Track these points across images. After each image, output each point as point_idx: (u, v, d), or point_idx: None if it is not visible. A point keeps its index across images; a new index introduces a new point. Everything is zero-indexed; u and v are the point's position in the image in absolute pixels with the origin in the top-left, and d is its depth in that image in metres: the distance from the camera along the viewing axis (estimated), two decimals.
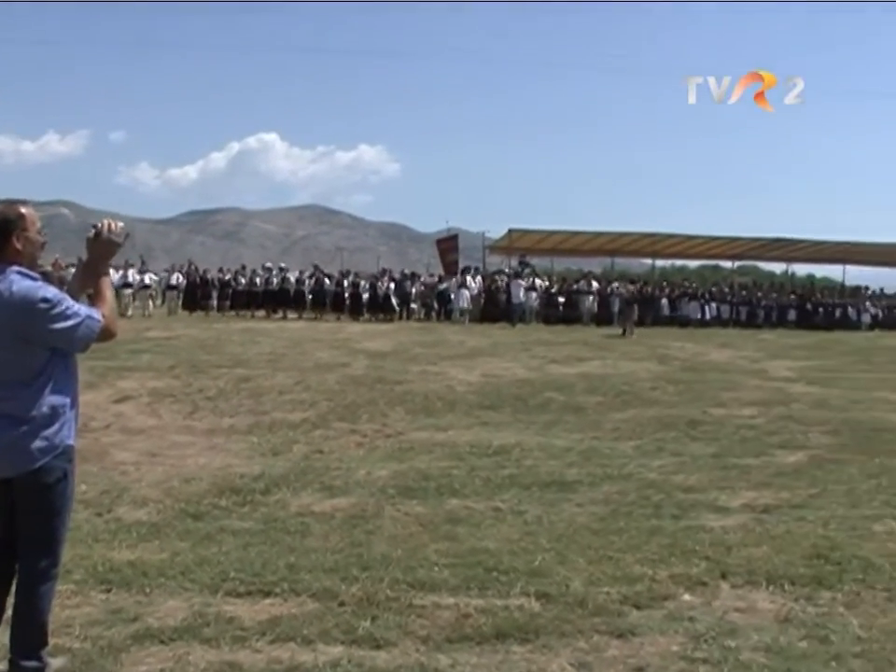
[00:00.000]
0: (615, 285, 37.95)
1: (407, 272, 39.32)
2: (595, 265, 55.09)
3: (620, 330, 29.53)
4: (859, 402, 14.23)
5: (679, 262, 64.27)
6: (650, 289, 37.74)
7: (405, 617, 5.21)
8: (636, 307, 32.19)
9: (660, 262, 55.48)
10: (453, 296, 34.32)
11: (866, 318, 37.99)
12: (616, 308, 34.83)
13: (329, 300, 34.82)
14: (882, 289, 44.36)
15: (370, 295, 34.46)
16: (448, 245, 40.89)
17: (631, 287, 36.63)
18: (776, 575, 6.01)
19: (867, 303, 39.29)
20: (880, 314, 39.03)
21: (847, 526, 7.21)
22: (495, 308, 34.70)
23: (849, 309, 38.43)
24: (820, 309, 38.39)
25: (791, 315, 37.81)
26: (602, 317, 35.19)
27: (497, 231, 48.17)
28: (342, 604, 5.39)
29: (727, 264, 57.40)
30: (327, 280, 35.25)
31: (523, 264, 38.79)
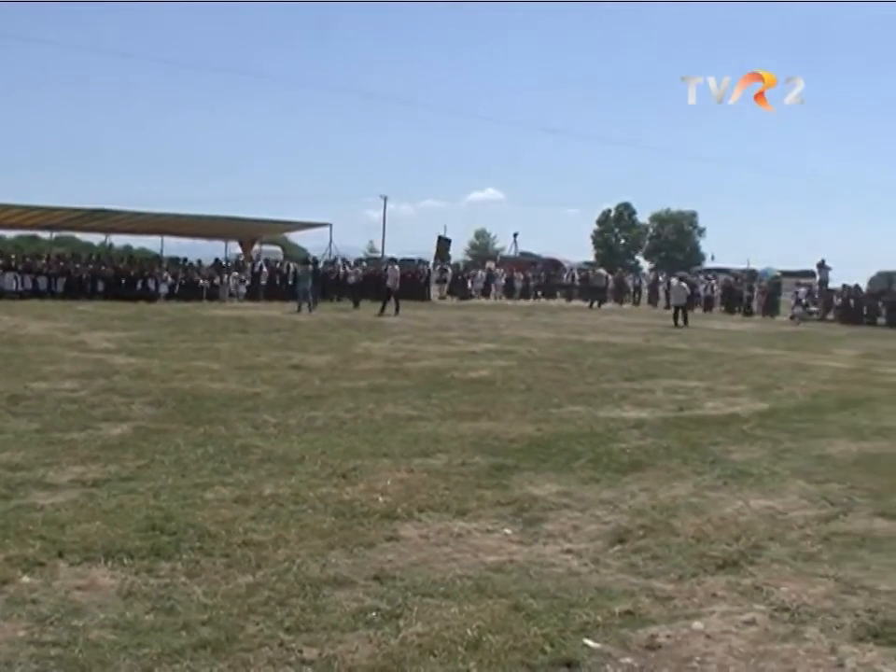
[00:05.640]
0: None
1: None
2: None
3: None
4: (180, 372, 14.41)
5: None
6: None
7: None
8: None
9: None
10: None
11: (164, 289, 38.58)
12: None
13: None
14: (200, 260, 45.52)
15: None
16: None
17: None
18: (113, 549, 5.91)
19: (165, 274, 39.91)
20: (178, 285, 39.70)
21: (179, 496, 7.27)
22: None
23: (149, 280, 38.73)
24: (123, 280, 38.39)
25: (101, 286, 37.42)
26: None
27: None
28: None
29: (45, 235, 55.88)
30: None
31: None
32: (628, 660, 4.69)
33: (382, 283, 34.10)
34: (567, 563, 6.15)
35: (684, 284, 36.74)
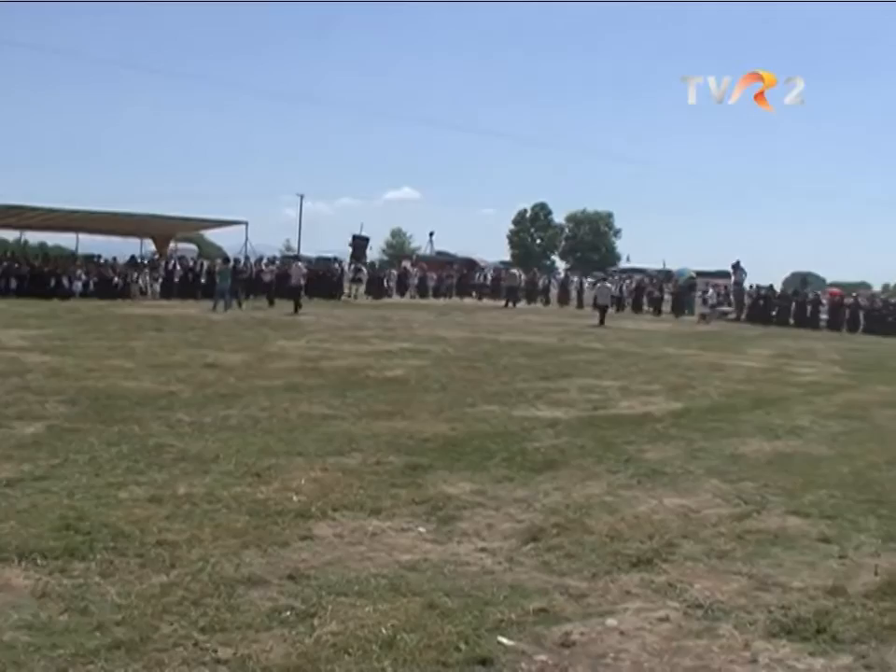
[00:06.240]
0: None
1: None
2: None
3: None
4: (94, 371, 14.17)
5: None
6: None
7: None
8: None
9: None
10: None
11: (78, 286, 37.78)
12: None
13: None
14: (115, 258, 44.85)
15: None
16: None
17: None
18: (27, 549, 5.84)
19: (80, 271, 39.11)
20: (92, 282, 38.85)
21: (93, 496, 7.19)
22: None
23: (63, 278, 37.92)
24: (38, 277, 37.52)
25: (15, 283, 36.60)
26: None
27: None
28: None
29: None
30: None
31: None
32: (542, 657, 4.75)
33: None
34: (481, 561, 6.21)
35: (609, 284, 37.40)
